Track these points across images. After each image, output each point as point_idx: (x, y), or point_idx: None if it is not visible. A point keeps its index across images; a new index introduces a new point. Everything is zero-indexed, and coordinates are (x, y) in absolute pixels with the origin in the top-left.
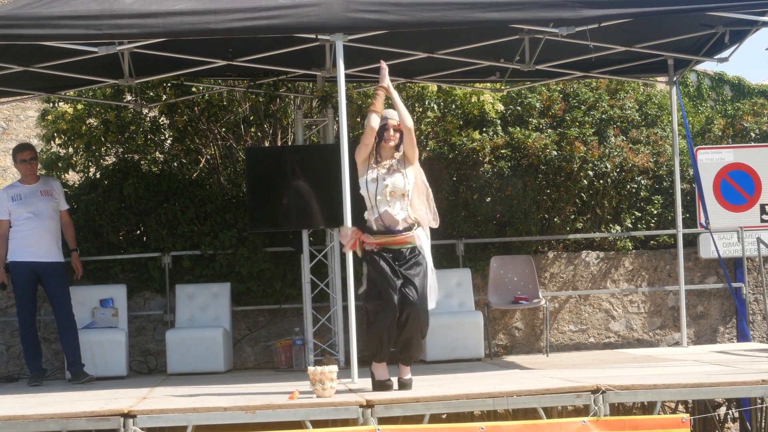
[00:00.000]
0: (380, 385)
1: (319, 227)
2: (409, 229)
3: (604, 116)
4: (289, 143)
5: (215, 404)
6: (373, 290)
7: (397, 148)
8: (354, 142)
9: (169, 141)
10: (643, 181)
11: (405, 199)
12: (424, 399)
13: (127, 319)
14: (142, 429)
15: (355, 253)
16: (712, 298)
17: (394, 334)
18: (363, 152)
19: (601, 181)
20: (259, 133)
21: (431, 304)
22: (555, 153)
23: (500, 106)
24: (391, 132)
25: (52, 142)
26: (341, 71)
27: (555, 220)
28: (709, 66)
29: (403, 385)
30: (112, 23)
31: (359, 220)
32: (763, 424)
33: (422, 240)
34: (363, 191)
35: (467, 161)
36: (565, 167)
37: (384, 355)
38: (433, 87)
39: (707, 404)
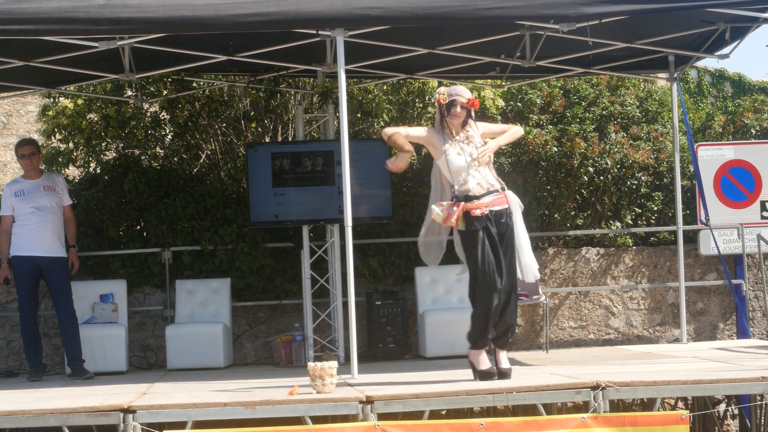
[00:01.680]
0: (485, 375)
1: (319, 223)
2: (504, 189)
3: (604, 112)
4: (290, 139)
5: (215, 400)
6: (476, 270)
7: (463, 126)
8: (354, 138)
9: (169, 136)
10: (643, 178)
11: (490, 164)
12: (424, 395)
13: (127, 315)
14: (141, 424)
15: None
16: (712, 295)
17: (497, 318)
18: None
19: (602, 178)
20: (260, 129)
21: (530, 276)
22: (555, 149)
23: (501, 102)
24: (458, 109)
25: (52, 137)
26: (342, 67)
27: (555, 216)
28: (709, 62)
29: (504, 374)
30: (111, 18)
31: (360, 216)
32: (762, 421)
33: (513, 203)
34: (453, 166)
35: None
36: (565, 163)
37: (485, 342)
38: (433, 83)
39: (707, 401)
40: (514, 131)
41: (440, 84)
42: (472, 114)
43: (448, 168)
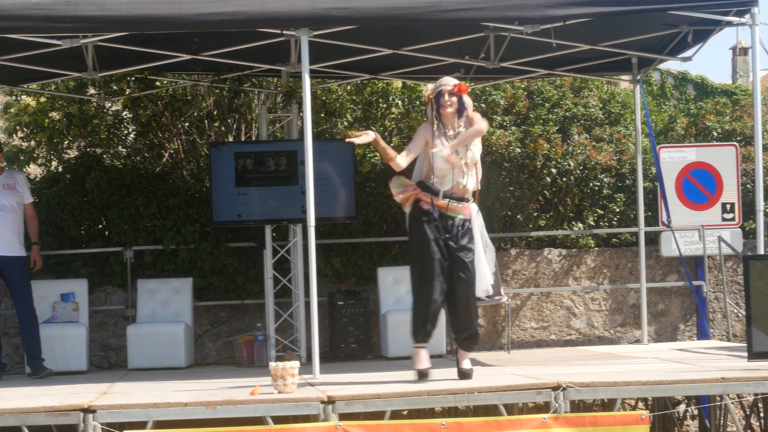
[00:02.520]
0: (419, 375)
1: (282, 223)
2: (469, 200)
3: (567, 114)
4: (253, 138)
5: (176, 399)
6: (417, 261)
7: (459, 114)
8: (317, 138)
9: (132, 135)
10: (605, 179)
11: (475, 168)
12: (385, 395)
13: (88, 314)
14: (102, 424)
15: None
16: (673, 296)
17: (437, 312)
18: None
19: (564, 179)
20: (223, 128)
21: (481, 291)
22: (519, 150)
23: None
24: (446, 97)
25: (14, 135)
26: (306, 67)
27: (518, 217)
28: (672, 65)
29: (464, 374)
30: (74, 15)
31: (322, 216)
32: (722, 421)
33: (474, 213)
34: (437, 165)
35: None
36: (528, 164)
37: (424, 336)
38: (397, 83)
39: (667, 401)
40: (471, 132)
41: (404, 85)
42: (466, 104)
43: (432, 163)
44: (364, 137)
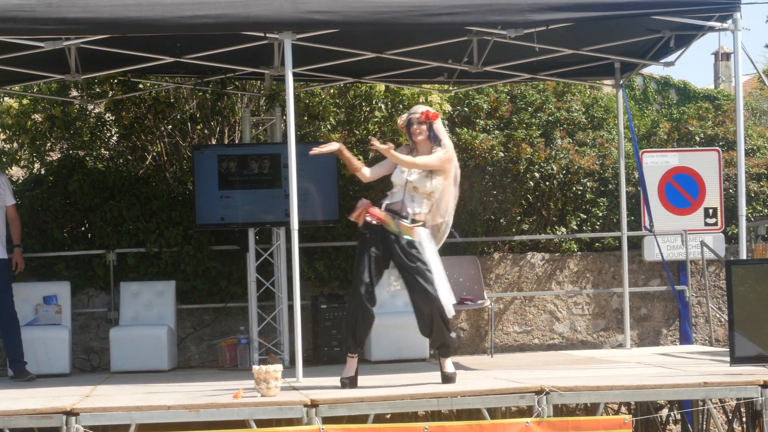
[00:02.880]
0: (341, 382)
1: (265, 226)
2: (414, 222)
3: (550, 118)
4: (236, 141)
5: (159, 402)
6: (354, 273)
7: (435, 142)
8: (300, 141)
9: (115, 138)
10: (588, 184)
11: (428, 199)
12: (369, 399)
13: (70, 317)
14: (84, 427)
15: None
16: (656, 301)
17: (361, 325)
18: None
19: (547, 183)
20: (206, 131)
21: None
22: (502, 154)
23: (447, 107)
24: (415, 126)
25: None
26: (289, 70)
27: (501, 221)
28: (655, 70)
29: (447, 378)
30: (57, 17)
31: (306, 219)
32: (704, 426)
33: (423, 239)
34: (393, 178)
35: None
36: (511, 168)
37: (350, 346)
38: (381, 87)
39: (650, 406)
40: (420, 160)
41: (387, 88)
42: (437, 131)
43: (395, 175)
44: (329, 146)
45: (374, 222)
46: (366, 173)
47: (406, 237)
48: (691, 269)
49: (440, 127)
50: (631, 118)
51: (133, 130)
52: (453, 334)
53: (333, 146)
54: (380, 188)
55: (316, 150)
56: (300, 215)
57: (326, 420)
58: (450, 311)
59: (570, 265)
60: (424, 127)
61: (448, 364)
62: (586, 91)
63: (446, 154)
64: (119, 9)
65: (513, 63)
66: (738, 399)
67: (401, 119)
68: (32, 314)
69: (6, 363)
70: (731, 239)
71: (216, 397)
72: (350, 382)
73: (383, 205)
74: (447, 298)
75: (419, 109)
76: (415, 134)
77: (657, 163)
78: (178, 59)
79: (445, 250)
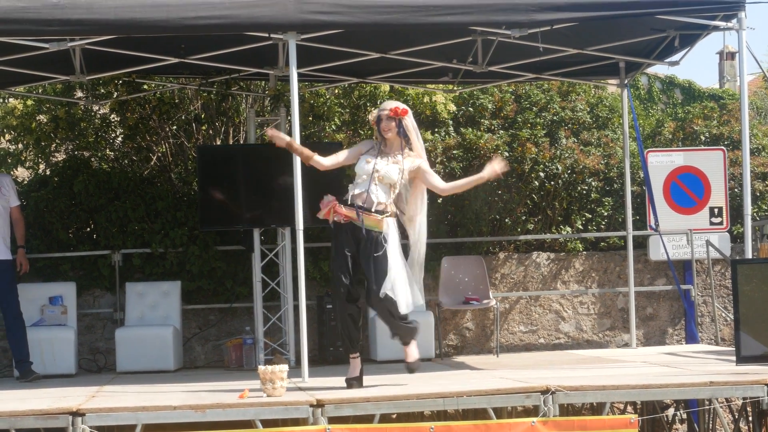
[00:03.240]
0: (346, 382)
1: (270, 226)
2: (380, 213)
3: (555, 118)
4: (241, 142)
5: (165, 403)
6: (332, 276)
7: (404, 138)
8: (305, 142)
9: (119, 138)
10: (593, 183)
11: (392, 190)
12: (375, 399)
13: (76, 317)
14: (91, 427)
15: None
16: (661, 300)
17: (350, 324)
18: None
19: (552, 183)
20: (211, 131)
21: (403, 308)
22: (506, 154)
23: (452, 107)
24: (384, 123)
25: (1, 138)
26: (294, 70)
27: (506, 221)
28: (660, 69)
29: (409, 369)
30: (62, 19)
31: (311, 220)
32: (710, 425)
33: (390, 230)
34: (356, 169)
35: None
36: (516, 168)
37: (347, 348)
38: (385, 87)
39: (656, 405)
40: (440, 187)
41: (392, 89)
42: (406, 127)
43: (359, 165)
44: (279, 138)
45: (342, 221)
46: (321, 161)
47: (374, 229)
48: (696, 268)
49: (410, 124)
50: (636, 117)
51: (137, 131)
52: (411, 323)
53: (282, 140)
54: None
55: (271, 132)
56: (305, 216)
57: (332, 420)
58: (405, 307)
59: (575, 265)
60: (393, 123)
61: (410, 353)
62: (590, 90)
63: (417, 154)
64: (123, 10)
65: (517, 63)
66: (744, 398)
67: (372, 115)
68: (38, 315)
69: (12, 363)
70: (737, 238)
71: (222, 397)
72: (357, 382)
73: (348, 198)
74: (402, 295)
75: (389, 105)
76: (384, 131)
77: (662, 163)
78: (182, 60)
79: (451, 250)
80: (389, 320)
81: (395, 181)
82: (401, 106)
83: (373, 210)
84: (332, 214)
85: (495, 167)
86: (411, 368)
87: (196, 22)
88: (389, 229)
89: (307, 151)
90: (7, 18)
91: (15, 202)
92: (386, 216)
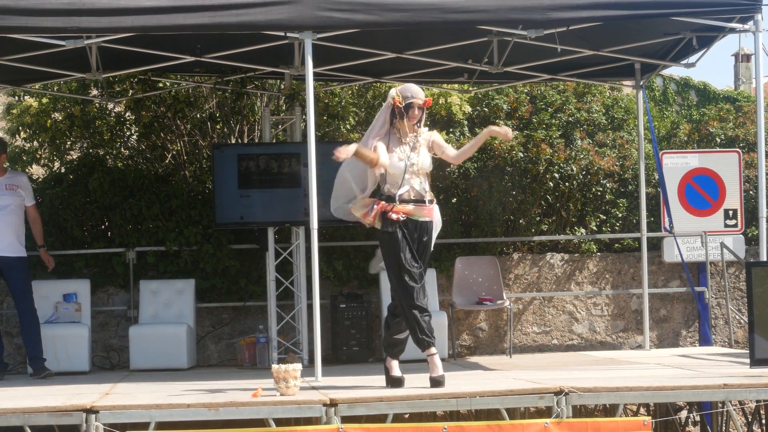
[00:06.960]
0: (395, 382)
1: (284, 225)
2: (432, 201)
3: (570, 119)
4: (256, 140)
5: (178, 401)
6: (398, 274)
7: (417, 123)
8: (320, 141)
9: (134, 136)
10: (608, 185)
11: (427, 177)
12: (388, 398)
13: (90, 314)
14: (104, 425)
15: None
16: (675, 302)
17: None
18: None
19: (567, 184)
20: (226, 130)
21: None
22: (521, 155)
23: (467, 108)
24: (416, 111)
25: (17, 136)
26: (310, 69)
27: (520, 221)
28: (675, 71)
29: (436, 382)
30: (81, 17)
31: (325, 219)
32: (723, 427)
33: (436, 217)
34: (392, 170)
35: (433, 162)
36: (531, 169)
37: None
38: None
39: (669, 407)
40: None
41: None
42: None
43: (386, 170)
44: (346, 152)
45: (402, 218)
46: (384, 161)
47: (427, 219)
48: (710, 271)
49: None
50: (651, 119)
51: (152, 129)
52: (431, 338)
53: (349, 151)
54: None
55: (342, 154)
56: (319, 214)
57: (345, 419)
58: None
59: (589, 266)
60: (421, 113)
61: (437, 364)
62: (606, 92)
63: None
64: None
65: (533, 63)
66: (758, 401)
67: (398, 95)
68: (52, 312)
69: (26, 360)
70: (751, 241)
71: (235, 395)
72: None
73: (396, 198)
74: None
75: (421, 94)
76: (412, 118)
77: (677, 165)
78: (198, 58)
79: (464, 251)
80: (414, 323)
81: (430, 167)
82: (425, 96)
83: (426, 201)
84: (378, 217)
85: (499, 127)
86: (438, 381)
87: (213, 20)
88: (435, 217)
89: (373, 154)
90: (25, 15)
91: (31, 201)
92: (432, 203)
